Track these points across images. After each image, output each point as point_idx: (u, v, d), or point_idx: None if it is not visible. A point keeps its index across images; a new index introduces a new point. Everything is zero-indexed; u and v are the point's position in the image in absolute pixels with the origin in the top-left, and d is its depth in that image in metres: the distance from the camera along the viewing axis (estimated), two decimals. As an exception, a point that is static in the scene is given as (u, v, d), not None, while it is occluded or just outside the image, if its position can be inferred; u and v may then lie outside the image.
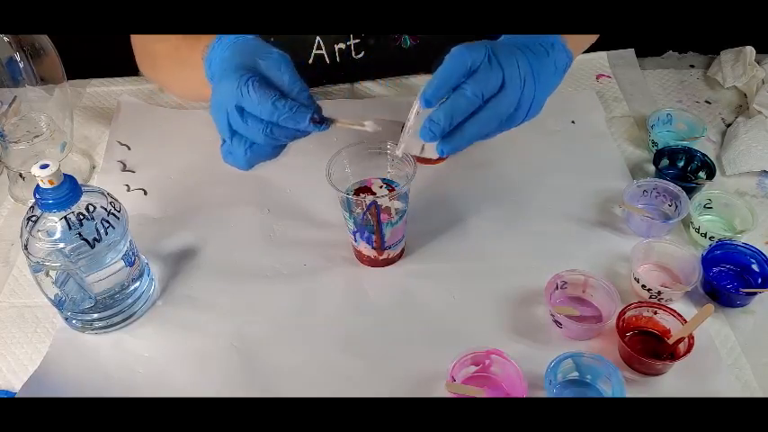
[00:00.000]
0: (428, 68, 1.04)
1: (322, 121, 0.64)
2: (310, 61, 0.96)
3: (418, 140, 0.63)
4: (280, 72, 0.63)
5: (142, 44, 0.94)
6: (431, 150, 0.65)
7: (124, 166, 0.90)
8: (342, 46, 0.96)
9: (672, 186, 0.79)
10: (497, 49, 0.63)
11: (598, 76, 1.02)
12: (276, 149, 0.67)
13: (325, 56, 0.96)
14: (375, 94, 1.01)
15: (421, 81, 1.03)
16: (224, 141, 0.68)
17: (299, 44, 0.95)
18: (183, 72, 0.87)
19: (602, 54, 1.05)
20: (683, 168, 0.85)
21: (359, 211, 0.70)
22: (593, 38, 0.95)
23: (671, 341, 0.67)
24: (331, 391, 0.66)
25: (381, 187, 0.74)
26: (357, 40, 0.96)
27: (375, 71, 1.01)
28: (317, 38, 0.95)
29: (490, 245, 0.79)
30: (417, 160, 0.72)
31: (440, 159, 0.89)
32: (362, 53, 0.97)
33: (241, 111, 0.63)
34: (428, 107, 0.62)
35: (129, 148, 0.92)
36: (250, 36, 0.67)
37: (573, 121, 0.95)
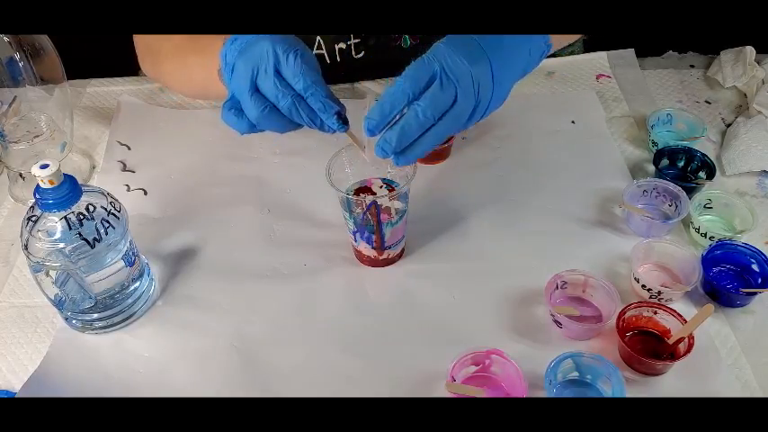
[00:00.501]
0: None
1: (344, 121, 0.66)
2: None
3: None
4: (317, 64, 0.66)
5: (145, 41, 0.94)
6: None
7: (124, 166, 0.90)
8: (342, 46, 0.96)
9: (672, 186, 0.79)
10: (451, 61, 0.62)
11: (598, 76, 1.02)
12: (288, 125, 0.67)
13: (326, 55, 0.97)
14: (375, 94, 1.01)
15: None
16: (230, 98, 0.68)
17: None
18: (186, 69, 0.87)
19: (602, 54, 1.05)
20: (683, 168, 0.85)
21: (359, 211, 0.70)
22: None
23: (671, 341, 0.67)
24: (331, 391, 0.66)
25: (381, 187, 0.74)
26: (357, 40, 0.96)
27: (375, 71, 1.01)
28: (318, 37, 0.95)
29: (490, 245, 0.79)
30: (417, 160, 0.72)
31: (439, 159, 0.89)
32: (363, 53, 0.97)
33: (277, 74, 0.64)
34: (372, 136, 0.63)
35: (129, 148, 0.92)
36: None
37: (573, 121, 0.95)
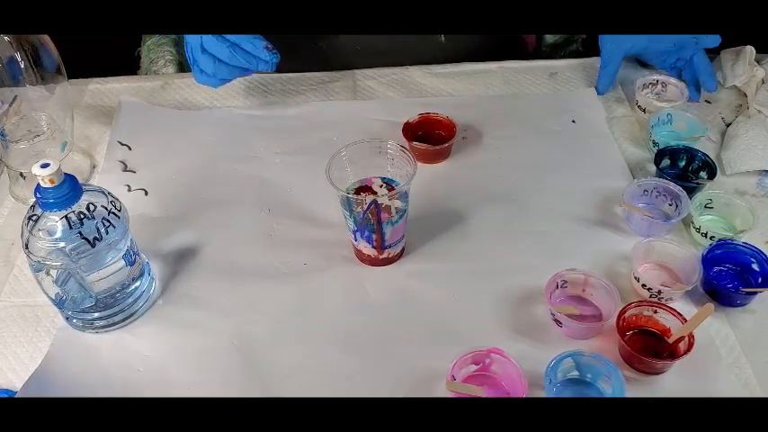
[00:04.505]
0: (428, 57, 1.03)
1: (274, 51, 0.84)
2: None
3: None
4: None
5: None
6: None
7: (125, 166, 0.90)
8: None
9: (672, 186, 0.79)
10: None
11: (601, 77, 1.02)
12: (236, 70, 0.86)
13: None
14: (378, 95, 1.00)
15: (421, 77, 1.02)
16: (194, 63, 0.87)
17: None
18: None
19: None
20: (685, 168, 0.85)
21: (359, 210, 0.70)
22: None
23: (671, 340, 0.67)
24: (331, 391, 0.66)
25: (381, 186, 0.74)
26: None
27: (383, 54, 1.01)
28: None
29: (490, 244, 0.79)
30: (418, 159, 0.72)
31: (440, 159, 0.89)
32: None
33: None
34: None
35: (129, 149, 0.92)
36: None
37: (573, 121, 0.95)
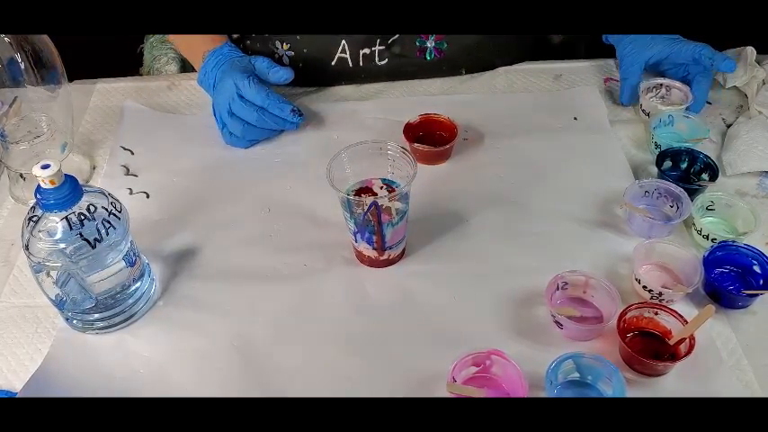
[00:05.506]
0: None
1: (300, 113, 0.90)
2: (333, 63, 0.98)
3: None
4: (267, 78, 0.90)
5: None
6: None
7: (127, 170, 0.90)
8: (366, 51, 0.97)
9: (673, 187, 0.79)
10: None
11: (606, 80, 1.02)
12: (267, 132, 0.91)
13: (349, 60, 0.98)
14: (380, 94, 1.00)
15: (427, 86, 1.02)
16: (223, 126, 0.90)
17: (324, 46, 0.97)
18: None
19: (610, 61, 1.05)
20: (687, 170, 0.85)
21: (359, 211, 0.70)
22: None
23: (672, 342, 0.67)
24: (331, 392, 0.66)
25: (382, 188, 0.74)
26: (382, 47, 0.97)
27: (394, 79, 1.01)
28: (344, 42, 0.96)
29: (491, 245, 0.79)
30: (419, 160, 0.72)
31: (440, 160, 0.89)
32: (386, 60, 0.98)
33: (241, 98, 0.87)
34: None
35: (132, 153, 0.92)
36: (239, 53, 0.92)
37: (575, 118, 0.95)
